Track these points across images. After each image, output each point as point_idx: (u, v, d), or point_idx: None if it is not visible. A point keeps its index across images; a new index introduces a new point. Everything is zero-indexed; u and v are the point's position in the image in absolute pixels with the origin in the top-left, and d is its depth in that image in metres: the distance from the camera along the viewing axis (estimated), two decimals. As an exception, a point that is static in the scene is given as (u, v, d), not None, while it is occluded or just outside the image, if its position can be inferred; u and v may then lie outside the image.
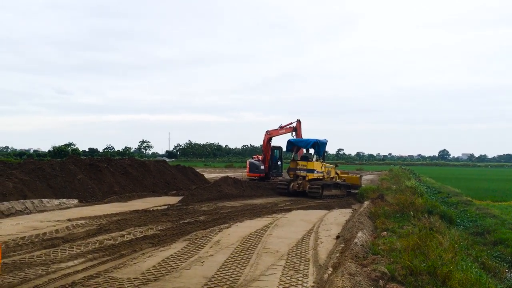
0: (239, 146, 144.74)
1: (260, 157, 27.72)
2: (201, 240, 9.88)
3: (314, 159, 22.26)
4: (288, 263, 8.05)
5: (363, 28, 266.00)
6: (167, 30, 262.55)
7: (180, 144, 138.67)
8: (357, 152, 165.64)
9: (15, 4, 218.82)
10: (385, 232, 10.54)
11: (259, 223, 12.72)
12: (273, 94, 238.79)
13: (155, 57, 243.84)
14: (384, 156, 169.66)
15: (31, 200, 14.45)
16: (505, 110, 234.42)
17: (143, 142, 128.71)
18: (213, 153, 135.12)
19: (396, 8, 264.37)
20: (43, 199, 15.02)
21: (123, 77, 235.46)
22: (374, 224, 12.35)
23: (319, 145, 22.35)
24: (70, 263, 7.57)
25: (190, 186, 22.78)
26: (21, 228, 10.69)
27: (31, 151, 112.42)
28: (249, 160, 28.45)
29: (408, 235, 9.51)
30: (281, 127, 26.07)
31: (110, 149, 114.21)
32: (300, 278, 7.07)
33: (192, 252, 8.68)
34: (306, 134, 25.88)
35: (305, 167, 21.92)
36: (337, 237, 10.67)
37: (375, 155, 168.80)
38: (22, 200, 14.10)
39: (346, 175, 25.37)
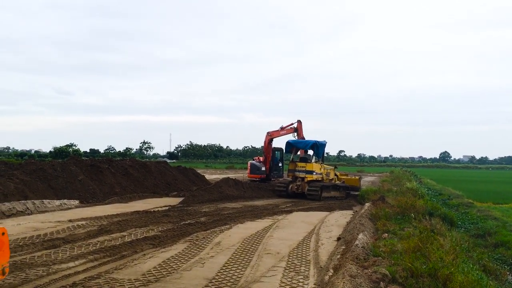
0: (240, 147, 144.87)
1: (261, 158, 27.71)
2: (202, 242, 9.88)
3: (313, 160, 22.14)
4: (289, 265, 8.04)
5: (364, 28, 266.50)
6: (167, 30, 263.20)
7: (181, 145, 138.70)
8: (358, 154, 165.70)
9: (16, 4, 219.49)
10: (386, 234, 10.53)
11: (260, 225, 12.72)
12: (274, 95, 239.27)
13: (156, 58, 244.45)
14: (385, 157, 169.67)
15: (32, 200, 14.47)
16: (507, 112, 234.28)
17: (144, 143, 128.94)
18: (214, 154, 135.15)
19: (396, 9, 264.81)
20: (44, 200, 15.04)
21: (123, 78, 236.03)
22: (375, 226, 12.33)
23: (318, 147, 22.25)
24: (71, 264, 7.57)
25: (191, 187, 22.79)
26: (22, 229, 10.70)
27: (32, 151, 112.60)
28: (250, 161, 28.45)
29: (409, 237, 9.50)
30: (282, 128, 26.05)
31: (111, 150, 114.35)
32: (301, 280, 7.07)
33: (193, 253, 8.68)
34: (307, 135, 25.85)
35: (304, 169, 21.80)
36: (338, 238, 10.66)
37: (376, 156, 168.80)
38: (23, 201, 14.12)
39: (345, 177, 25.31)
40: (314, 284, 6.82)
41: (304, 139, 24.83)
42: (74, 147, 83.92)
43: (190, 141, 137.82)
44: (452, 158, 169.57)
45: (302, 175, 21.77)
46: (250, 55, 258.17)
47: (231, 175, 32.34)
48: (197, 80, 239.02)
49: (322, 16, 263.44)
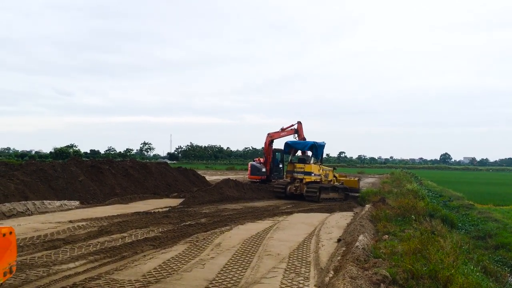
0: (241, 149, 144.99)
1: (261, 159, 27.69)
2: (202, 243, 9.87)
3: (312, 161, 22.03)
4: (289, 266, 8.03)
5: (364, 29, 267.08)
6: (168, 30, 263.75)
7: (182, 146, 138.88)
8: (359, 155, 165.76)
9: (17, 5, 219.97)
10: (387, 236, 10.52)
11: (260, 226, 12.71)
12: (274, 96, 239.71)
13: (156, 58, 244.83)
14: (386, 159, 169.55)
15: (33, 201, 14.46)
16: (507, 113, 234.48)
17: (144, 144, 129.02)
18: (215, 155, 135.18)
19: (396, 10, 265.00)
20: (44, 201, 15.04)
21: (124, 78, 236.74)
22: (376, 227, 12.32)
23: (317, 148, 22.16)
24: (71, 265, 7.57)
25: (191, 188, 22.78)
26: (23, 230, 10.70)
27: (33, 152, 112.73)
28: (251, 162, 28.41)
29: (409, 238, 9.49)
30: (282, 130, 26.05)
31: (112, 151, 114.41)
32: (301, 281, 7.06)
33: (193, 255, 8.68)
34: (308, 136, 25.87)
35: (302, 170, 21.69)
36: (339, 240, 10.66)
37: (376, 158, 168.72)
38: (23, 202, 14.12)
39: (344, 178, 25.25)
40: (315, 286, 6.82)
41: (305, 140, 24.82)
42: (74, 148, 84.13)
43: (191, 142, 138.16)
44: (453, 160, 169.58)
45: (300, 176, 21.66)
46: (250, 55, 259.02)
47: (232, 176, 32.28)
48: (198, 80, 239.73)
49: (322, 17, 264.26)
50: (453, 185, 36.48)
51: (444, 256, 7.83)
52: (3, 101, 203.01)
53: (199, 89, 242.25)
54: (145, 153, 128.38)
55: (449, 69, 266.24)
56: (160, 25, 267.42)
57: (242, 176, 33.70)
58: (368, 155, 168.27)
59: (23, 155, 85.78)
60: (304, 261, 8.48)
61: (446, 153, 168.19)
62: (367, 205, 17.64)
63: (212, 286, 6.65)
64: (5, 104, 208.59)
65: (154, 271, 7.32)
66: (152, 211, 15.08)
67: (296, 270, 7.80)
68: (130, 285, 6.52)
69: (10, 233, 4.88)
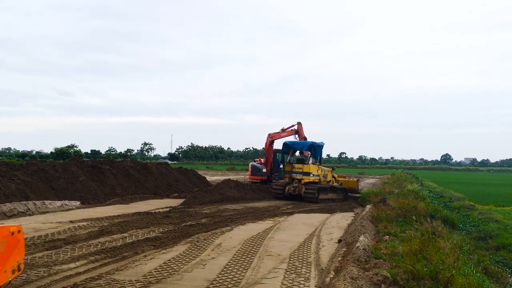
0: (241, 149, 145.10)
1: (262, 160, 27.69)
2: (203, 243, 9.87)
3: (310, 161, 21.89)
4: (290, 267, 8.03)
5: (364, 30, 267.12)
6: (169, 31, 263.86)
7: (182, 146, 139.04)
8: (359, 156, 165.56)
9: (17, 5, 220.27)
10: (387, 236, 10.51)
11: (261, 226, 12.71)
12: (275, 96, 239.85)
13: (157, 58, 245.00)
14: (387, 160, 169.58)
15: (34, 201, 14.47)
16: (509, 114, 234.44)
17: (145, 144, 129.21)
18: (215, 155, 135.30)
19: (397, 10, 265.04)
20: (45, 201, 15.05)
21: (124, 79, 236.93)
22: (376, 228, 12.32)
23: (315, 148, 22.05)
24: (72, 265, 7.57)
25: (192, 189, 22.78)
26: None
27: (33, 152, 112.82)
28: (251, 163, 28.41)
29: (410, 239, 9.49)
30: (283, 130, 26.05)
31: (112, 151, 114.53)
32: (302, 282, 7.06)
33: (194, 255, 8.68)
34: (309, 137, 25.86)
35: (300, 170, 21.53)
36: (339, 240, 10.65)
37: (377, 158, 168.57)
38: (24, 202, 14.13)
39: (343, 179, 25.17)
40: (315, 286, 6.81)
41: (306, 140, 24.80)
42: (75, 148, 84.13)
43: (191, 143, 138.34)
44: (454, 161, 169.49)
45: (299, 176, 21.50)
46: (251, 56, 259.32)
47: (232, 176, 32.30)
48: (198, 81, 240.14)
49: (322, 17, 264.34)
50: (454, 186, 36.45)
51: (445, 257, 7.82)
52: (4, 102, 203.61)
53: (200, 89, 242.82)
54: (146, 153, 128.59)
55: (449, 69, 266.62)
56: (160, 25, 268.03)
57: (243, 176, 33.71)
58: (369, 155, 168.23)
59: (24, 155, 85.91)
60: (304, 262, 8.48)
61: (447, 154, 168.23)
62: (367, 206, 17.63)
63: (212, 287, 6.65)
64: (6, 104, 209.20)
65: (154, 271, 7.32)
66: (153, 211, 15.09)
67: (297, 270, 7.80)
68: (131, 285, 6.52)
69: (19, 231, 4.99)
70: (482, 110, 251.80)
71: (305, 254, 9.17)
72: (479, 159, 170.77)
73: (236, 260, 8.35)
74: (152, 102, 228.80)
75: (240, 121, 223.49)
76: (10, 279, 4.85)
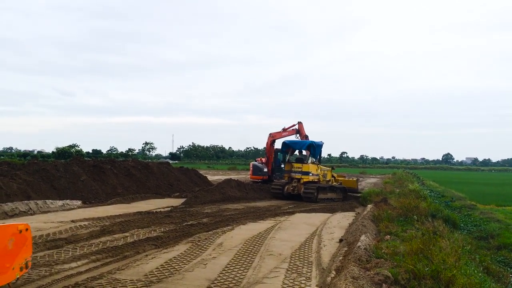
0: (243, 149, 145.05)
1: (263, 159, 27.71)
2: (204, 242, 9.88)
3: (309, 161, 21.82)
4: (291, 266, 8.03)
5: (366, 30, 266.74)
6: (169, 32, 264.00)
7: (184, 146, 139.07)
8: (361, 156, 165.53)
9: (17, 5, 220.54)
10: (389, 236, 10.51)
11: (262, 226, 12.71)
12: (276, 97, 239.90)
13: (158, 59, 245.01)
14: (388, 159, 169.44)
15: (35, 201, 14.49)
16: (510, 114, 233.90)
17: (146, 144, 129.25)
18: (217, 155, 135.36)
19: (397, 11, 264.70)
20: (46, 200, 15.07)
21: (126, 79, 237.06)
22: (378, 227, 12.31)
23: (315, 147, 22.00)
24: (73, 264, 7.58)
25: (193, 188, 22.79)
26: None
27: (35, 152, 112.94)
28: (253, 162, 28.44)
29: (411, 239, 9.47)
30: (284, 130, 26.08)
31: (114, 151, 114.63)
32: (303, 281, 7.06)
33: (195, 254, 8.68)
34: (310, 137, 25.86)
35: (300, 169, 21.48)
36: (340, 240, 10.65)
37: (378, 158, 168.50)
38: (26, 201, 14.15)
39: (342, 178, 25.15)
40: (316, 286, 6.81)
41: (308, 139, 24.79)
42: (76, 148, 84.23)
43: (193, 142, 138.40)
44: (455, 160, 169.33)
45: (298, 176, 21.44)
46: (252, 56, 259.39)
47: (233, 176, 32.30)
48: (199, 81, 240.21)
49: (323, 18, 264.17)
50: (455, 186, 36.40)
51: (446, 257, 7.81)
52: (5, 102, 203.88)
53: (201, 90, 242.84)
54: (147, 153, 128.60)
55: (449, 69, 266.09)
56: (160, 25, 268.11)
57: (244, 176, 33.73)
58: (370, 155, 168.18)
59: (26, 154, 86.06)
60: (306, 261, 8.48)
61: (448, 154, 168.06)
62: (369, 205, 17.62)
63: (214, 286, 6.66)
64: (7, 104, 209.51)
65: (156, 271, 7.33)
66: (154, 210, 15.10)
67: (298, 270, 7.80)
68: (132, 285, 6.53)
69: (26, 229, 5.07)
70: (482, 110, 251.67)
71: (306, 254, 9.17)
72: (480, 159, 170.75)
73: (237, 260, 8.36)
74: (153, 102, 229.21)
75: (241, 121, 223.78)
76: (18, 277, 4.89)
